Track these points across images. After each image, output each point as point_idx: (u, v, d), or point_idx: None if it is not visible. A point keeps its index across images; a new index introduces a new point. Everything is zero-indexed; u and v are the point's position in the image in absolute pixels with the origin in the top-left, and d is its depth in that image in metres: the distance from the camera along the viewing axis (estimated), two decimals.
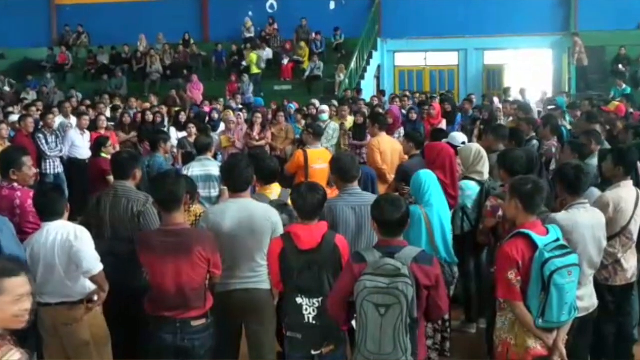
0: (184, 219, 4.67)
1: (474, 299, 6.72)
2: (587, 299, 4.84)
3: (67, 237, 4.59)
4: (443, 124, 13.41)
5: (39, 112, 13.70)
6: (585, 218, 4.75)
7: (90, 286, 4.70)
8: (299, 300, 4.42)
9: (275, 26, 23.68)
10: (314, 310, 4.39)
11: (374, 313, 3.76)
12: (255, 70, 21.48)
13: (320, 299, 4.37)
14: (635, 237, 5.50)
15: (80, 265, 4.57)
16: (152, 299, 4.52)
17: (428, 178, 5.52)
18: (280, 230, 4.81)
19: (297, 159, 8.37)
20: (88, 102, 16.76)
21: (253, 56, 21.72)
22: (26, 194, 5.30)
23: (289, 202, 5.34)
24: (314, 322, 4.39)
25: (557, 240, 4.17)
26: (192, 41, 23.81)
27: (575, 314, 4.27)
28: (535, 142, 8.47)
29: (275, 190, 5.75)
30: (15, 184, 5.39)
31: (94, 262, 4.59)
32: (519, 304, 4.16)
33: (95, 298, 4.74)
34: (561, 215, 4.68)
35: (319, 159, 8.04)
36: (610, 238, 5.36)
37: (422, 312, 3.98)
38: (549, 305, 4.07)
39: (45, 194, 4.84)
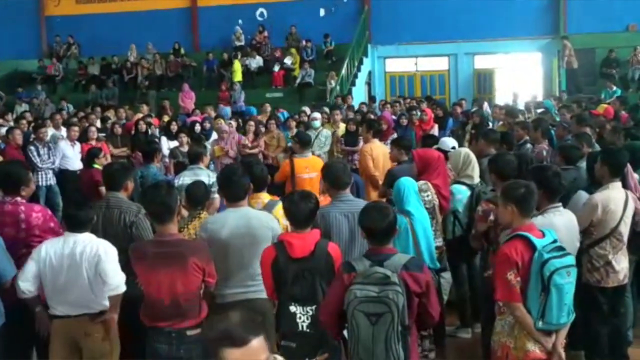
0: (177, 229, 4.67)
1: (468, 304, 6.73)
2: None
3: (97, 251, 4.58)
4: (435, 130, 13.45)
5: (30, 124, 13.70)
6: (560, 221, 4.78)
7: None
8: (292, 308, 4.42)
9: (266, 34, 23.72)
10: (307, 319, 4.39)
11: (365, 322, 3.77)
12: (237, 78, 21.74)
13: (314, 307, 4.37)
14: (625, 239, 5.52)
15: (106, 281, 4.57)
16: (146, 309, 4.51)
17: (407, 186, 5.51)
18: None
19: (284, 168, 8.41)
20: (82, 114, 16.76)
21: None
22: (30, 208, 5.18)
23: (274, 212, 5.34)
24: (308, 331, 4.39)
25: (554, 242, 4.18)
26: (182, 50, 23.84)
27: (572, 317, 4.26)
28: (529, 145, 8.53)
29: (261, 200, 5.73)
30: (19, 198, 5.23)
31: (119, 280, 4.61)
32: (519, 305, 4.14)
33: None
34: (538, 220, 4.67)
35: (306, 168, 8.04)
36: (600, 240, 5.40)
37: (414, 319, 3.97)
38: (549, 306, 4.07)
39: (75, 206, 4.80)
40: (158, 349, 4.42)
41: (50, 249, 4.64)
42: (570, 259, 4.18)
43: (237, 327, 2.42)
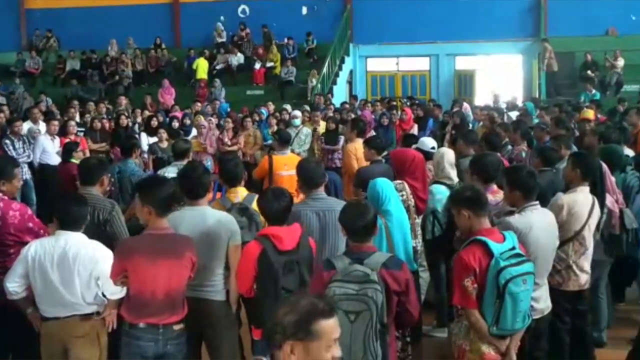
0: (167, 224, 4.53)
1: (445, 304, 6.72)
2: (542, 301, 4.84)
3: (93, 255, 4.48)
4: (415, 129, 13.51)
5: (6, 118, 13.56)
6: (538, 219, 4.76)
7: (104, 300, 4.61)
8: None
9: (248, 31, 23.64)
10: None
11: (344, 320, 3.75)
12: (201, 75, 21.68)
13: None
14: (588, 244, 5.43)
15: (108, 286, 4.49)
16: (133, 306, 4.35)
17: (385, 186, 5.46)
18: (239, 238, 4.77)
19: (263, 165, 8.44)
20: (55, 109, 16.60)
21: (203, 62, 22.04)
22: (8, 205, 4.99)
23: (254, 206, 5.32)
24: None
25: (513, 248, 4.17)
26: (163, 46, 23.69)
27: (528, 322, 4.30)
28: (509, 147, 8.57)
29: (240, 194, 5.68)
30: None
31: (116, 290, 4.53)
32: (474, 311, 4.15)
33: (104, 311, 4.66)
34: (516, 218, 4.69)
35: (285, 166, 8.00)
36: (563, 243, 5.28)
37: (393, 317, 3.98)
38: (503, 314, 4.08)
39: (70, 201, 4.68)
40: (143, 348, 4.29)
41: (39, 249, 4.49)
42: (528, 267, 4.16)
43: (321, 301, 2.58)
